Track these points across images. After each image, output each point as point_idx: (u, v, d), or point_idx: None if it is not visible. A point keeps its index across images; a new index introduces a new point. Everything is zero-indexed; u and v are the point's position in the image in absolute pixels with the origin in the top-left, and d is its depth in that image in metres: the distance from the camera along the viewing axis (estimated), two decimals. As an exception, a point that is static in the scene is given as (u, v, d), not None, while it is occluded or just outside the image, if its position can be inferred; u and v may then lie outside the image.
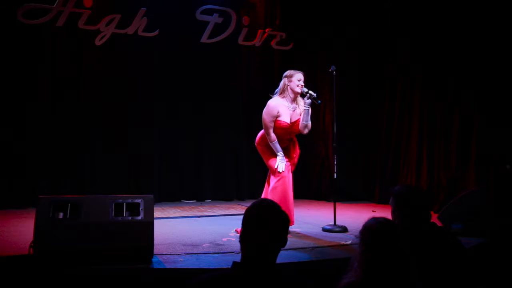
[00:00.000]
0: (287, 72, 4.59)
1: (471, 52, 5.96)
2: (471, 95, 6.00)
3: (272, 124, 4.48)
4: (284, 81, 4.57)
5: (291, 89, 4.52)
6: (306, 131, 4.57)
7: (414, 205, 2.48)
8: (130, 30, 6.70)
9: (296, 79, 4.50)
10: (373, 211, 6.30)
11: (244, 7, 7.50)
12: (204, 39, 7.20)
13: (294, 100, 4.57)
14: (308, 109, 4.50)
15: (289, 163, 4.59)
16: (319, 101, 4.53)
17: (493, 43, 5.72)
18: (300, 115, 4.54)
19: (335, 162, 5.17)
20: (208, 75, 7.19)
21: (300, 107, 4.57)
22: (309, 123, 4.54)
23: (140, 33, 6.75)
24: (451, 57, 6.22)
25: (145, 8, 6.73)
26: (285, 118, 4.49)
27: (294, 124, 4.55)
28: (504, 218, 4.59)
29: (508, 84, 5.61)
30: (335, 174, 5.18)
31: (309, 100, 4.47)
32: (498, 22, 5.67)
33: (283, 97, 4.55)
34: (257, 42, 7.55)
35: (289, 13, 7.67)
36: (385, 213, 5.86)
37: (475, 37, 5.91)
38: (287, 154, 4.61)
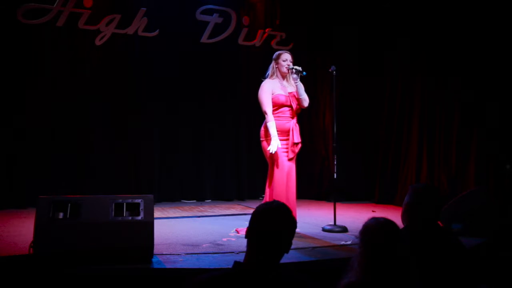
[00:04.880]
0: (274, 54, 4.74)
1: (471, 51, 5.96)
2: (471, 95, 6.00)
3: (270, 101, 4.53)
4: (272, 63, 4.72)
5: (279, 70, 4.67)
6: (305, 104, 4.69)
7: (433, 204, 2.48)
8: (130, 30, 6.70)
9: (282, 60, 4.65)
10: (373, 211, 6.30)
11: (244, 7, 7.50)
12: (204, 39, 7.20)
13: (284, 79, 4.69)
14: (299, 84, 4.62)
15: (290, 150, 4.54)
16: (304, 73, 4.61)
17: (494, 42, 5.72)
18: (294, 91, 4.67)
19: (335, 162, 5.17)
20: (208, 75, 7.19)
21: (291, 85, 4.68)
22: (304, 96, 4.65)
23: (140, 33, 6.75)
24: (452, 57, 6.21)
25: (145, 8, 6.73)
26: (281, 92, 4.60)
27: (293, 96, 4.62)
28: (504, 218, 4.59)
29: (509, 84, 5.61)
30: (335, 174, 5.18)
31: (295, 75, 4.60)
32: (498, 21, 5.67)
33: (273, 79, 4.68)
34: (257, 42, 7.55)
35: (289, 13, 7.66)
36: (385, 213, 5.88)
37: (476, 36, 5.91)
38: (289, 137, 4.56)
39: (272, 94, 4.59)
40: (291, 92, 4.66)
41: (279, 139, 4.53)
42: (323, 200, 7.37)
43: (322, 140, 7.69)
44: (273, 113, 4.58)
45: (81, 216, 3.36)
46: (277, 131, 4.54)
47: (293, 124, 4.60)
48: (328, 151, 7.57)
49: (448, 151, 6.27)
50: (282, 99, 4.59)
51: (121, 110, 6.65)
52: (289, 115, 4.62)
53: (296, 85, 4.64)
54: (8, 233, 4.36)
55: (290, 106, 4.62)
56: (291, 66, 4.64)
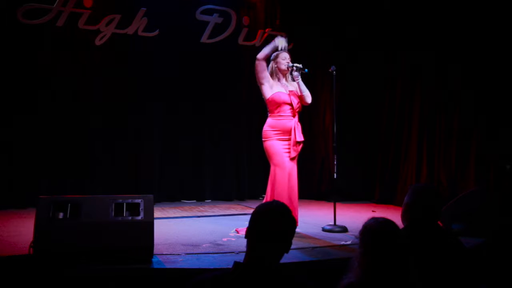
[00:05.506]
0: (272, 55, 4.76)
1: (471, 52, 5.96)
2: (471, 95, 6.00)
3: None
4: (271, 64, 4.75)
5: (279, 69, 4.70)
6: (308, 100, 4.71)
7: (433, 204, 2.48)
8: (130, 30, 6.70)
9: (281, 59, 4.69)
10: (373, 211, 6.30)
11: (244, 7, 7.50)
12: (204, 39, 7.20)
13: (283, 78, 4.73)
14: (300, 81, 4.67)
15: (292, 149, 4.55)
16: (306, 70, 4.65)
17: (493, 42, 5.72)
18: (295, 90, 4.71)
19: (335, 162, 5.17)
20: (208, 75, 7.19)
21: (291, 85, 4.72)
22: (307, 92, 4.68)
23: (140, 33, 6.75)
24: (451, 57, 6.22)
25: (145, 8, 6.73)
26: (281, 90, 4.62)
27: (294, 95, 4.65)
28: (504, 218, 4.59)
29: (508, 84, 5.61)
30: (335, 174, 5.18)
31: (296, 73, 4.65)
32: (498, 22, 5.67)
33: (273, 79, 4.71)
34: (257, 42, 7.55)
35: (289, 13, 7.66)
36: (385, 213, 5.88)
37: (476, 37, 5.91)
38: (291, 136, 4.58)
39: (272, 92, 4.60)
40: (292, 91, 4.68)
41: (281, 138, 4.56)
42: (323, 200, 7.36)
43: (322, 140, 7.69)
44: (274, 112, 4.60)
45: (81, 216, 3.36)
46: (279, 130, 4.57)
47: (294, 123, 4.61)
48: (328, 151, 7.57)
49: (448, 151, 6.27)
50: (284, 97, 4.60)
51: (121, 110, 6.64)
52: (290, 114, 4.63)
53: (297, 83, 4.67)
54: (8, 233, 4.36)
55: (291, 104, 4.62)
56: (291, 64, 4.67)
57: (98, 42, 6.51)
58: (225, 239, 4.32)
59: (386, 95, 7.19)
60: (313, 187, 7.65)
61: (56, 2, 6.25)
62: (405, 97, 6.91)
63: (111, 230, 3.36)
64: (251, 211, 2.03)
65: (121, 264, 3.30)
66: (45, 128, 6.22)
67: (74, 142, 6.36)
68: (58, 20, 6.27)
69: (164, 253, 3.71)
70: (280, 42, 4.63)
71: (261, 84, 4.64)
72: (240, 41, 7.45)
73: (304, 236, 4.54)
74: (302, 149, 4.76)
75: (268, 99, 4.63)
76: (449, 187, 6.17)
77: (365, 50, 7.30)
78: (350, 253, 3.61)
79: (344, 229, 4.79)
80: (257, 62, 4.64)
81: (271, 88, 4.62)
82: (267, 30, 7.60)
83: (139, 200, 3.52)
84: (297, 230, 4.61)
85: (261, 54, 4.64)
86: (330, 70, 5.10)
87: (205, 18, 7.19)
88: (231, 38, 7.36)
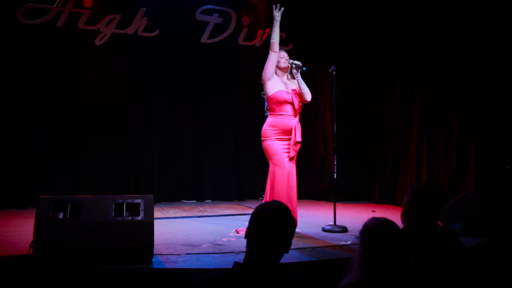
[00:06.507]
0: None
1: (471, 52, 5.96)
2: (471, 95, 6.00)
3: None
4: None
5: (279, 67, 4.72)
6: (307, 97, 4.72)
7: (432, 205, 2.48)
8: (130, 30, 6.70)
9: (279, 57, 4.73)
10: (373, 211, 6.30)
11: (244, 7, 7.49)
12: (204, 39, 7.20)
13: (284, 76, 4.76)
14: (299, 78, 4.70)
15: (292, 149, 4.56)
16: (304, 68, 4.70)
17: (493, 42, 5.72)
18: (297, 89, 4.73)
19: (335, 162, 5.17)
20: (208, 75, 7.19)
21: (293, 83, 4.73)
22: (306, 90, 4.70)
23: (140, 33, 6.75)
24: (451, 57, 6.22)
25: (145, 8, 6.73)
26: (283, 89, 4.63)
27: (296, 94, 4.66)
28: (504, 218, 4.59)
29: (508, 84, 5.61)
30: (335, 174, 5.18)
31: (295, 70, 4.70)
32: (498, 21, 5.67)
33: (276, 77, 4.73)
34: (257, 42, 7.55)
35: (289, 13, 7.63)
36: (385, 213, 5.88)
37: (475, 37, 5.91)
38: (291, 136, 4.58)
39: (274, 90, 4.61)
40: (294, 90, 4.68)
41: (280, 138, 4.55)
42: (323, 200, 7.35)
43: (322, 140, 7.69)
44: (275, 111, 4.60)
45: (81, 216, 3.36)
46: (279, 130, 4.57)
47: (295, 123, 4.61)
48: (328, 151, 7.57)
49: (448, 151, 6.27)
50: (285, 96, 4.59)
51: (121, 110, 6.64)
52: (292, 113, 4.63)
53: (297, 79, 4.69)
54: (8, 233, 4.37)
55: (292, 103, 4.62)
56: (291, 61, 4.70)
57: (98, 42, 6.51)
58: (225, 239, 4.32)
59: (386, 95, 7.19)
60: (313, 187, 7.64)
61: (56, 2, 6.24)
62: (405, 97, 6.91)
63: (111, 230, 3.36)
64: (251, 211, 2.02)
65: (121, 264, 3.31)
66: (45, 128, 6.22)
67: (74, 142, 6.36)
68: (58, 20, 6.27)
69: (164, 253, 3.71)
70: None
71: (268, 79, 4.63)
72: (240, 41, 7.45)
73: (304, 236, 4.54)
74: (302, 149, 4.76)
75: (269, 97, 4.62)
76: (449, 187, 6.17)
77: (365, 50, 7.29)
78: (350, 253, 3.61)
79: (344, 229, 4.79)
80: (274, 54, 4.67)
81: (274, 86, 4.62)
82: (267, 30, 7.58)
83: (139, 200, 3.52)
84: (297, 230, 4.61)
85: (276, 46, 4.70)
86: (330, 70, 5.10)
87: (205, 18, 7.19)
88: (231, 38, 7.35)
